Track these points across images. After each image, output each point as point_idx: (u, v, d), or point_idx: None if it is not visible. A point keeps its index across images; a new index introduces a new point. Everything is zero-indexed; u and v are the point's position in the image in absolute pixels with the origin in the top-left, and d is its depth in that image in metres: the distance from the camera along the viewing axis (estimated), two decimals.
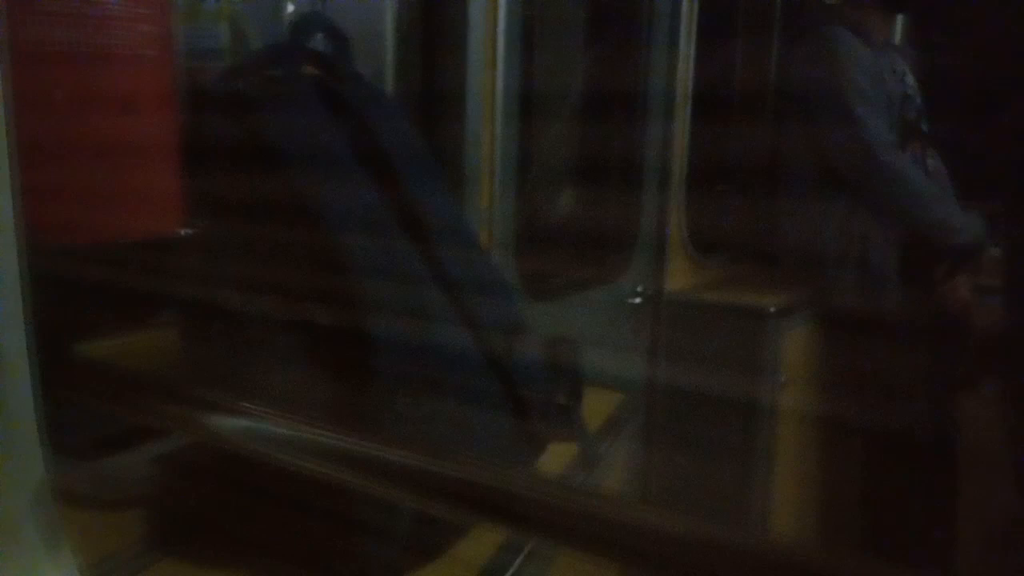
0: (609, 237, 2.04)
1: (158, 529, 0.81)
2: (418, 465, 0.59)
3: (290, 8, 1.26)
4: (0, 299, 0.61)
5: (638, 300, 2.03)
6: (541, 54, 1.77)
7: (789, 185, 2.30)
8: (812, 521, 2.28)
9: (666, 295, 2.10)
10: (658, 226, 2.07)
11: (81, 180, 0.70)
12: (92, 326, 0.77)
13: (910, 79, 2.24)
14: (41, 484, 0.64)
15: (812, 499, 2.29)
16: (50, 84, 0.69)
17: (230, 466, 0.70)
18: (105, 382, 0.71)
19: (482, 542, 0.87)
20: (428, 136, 1.30)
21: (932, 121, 2.24)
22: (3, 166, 0.60)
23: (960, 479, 2.21)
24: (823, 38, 2.16)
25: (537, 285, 1.65)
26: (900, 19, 2.46)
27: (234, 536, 0.82)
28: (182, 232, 0.77)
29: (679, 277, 2.15)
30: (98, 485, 0.78)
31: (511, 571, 0.86)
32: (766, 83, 2.58)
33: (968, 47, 2.24)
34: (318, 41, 1.00)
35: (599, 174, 2.07)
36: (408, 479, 0.60)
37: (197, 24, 1.18)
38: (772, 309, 2.04)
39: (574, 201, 2.08)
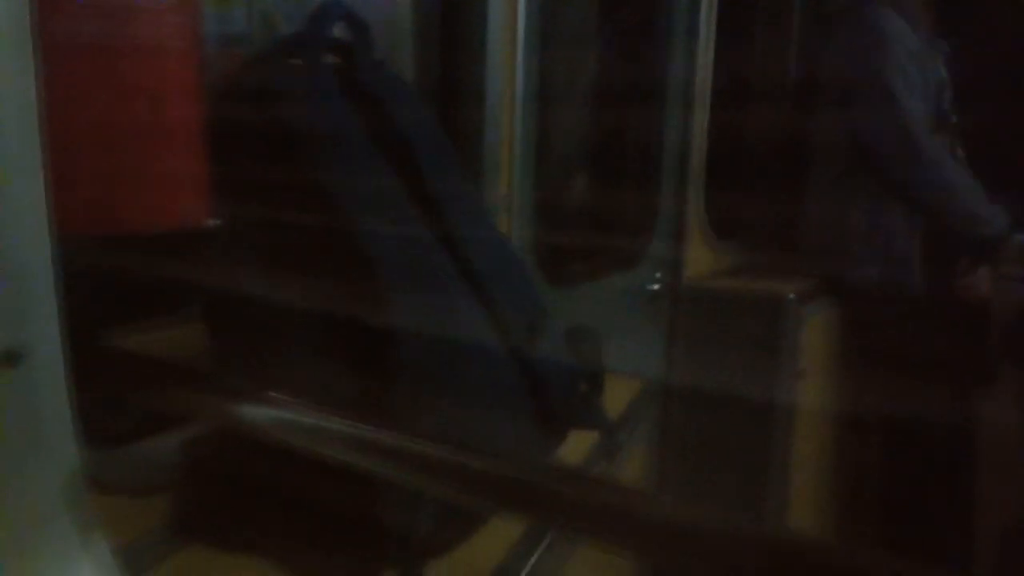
0: (627, 224, 2.03)
1: (188, 514, 0.83)
2: (440, 455, 0.60)
3: None
4: (31, 290, 0.62)
5: (656, 287, 2.02)
6: (560, 42, 1.77)
7: (814, 170, 2.28)
8: (831, 513, 2.28)
9: (684, 282, 2.09)
10: (677, 212, 2.06)
11: (109, 171, 0.71)
12: (122, 316, 0.78)
13: (944, 70, 2.22)
14: (73, 471, 0.65)
15: (830, 490, 2.29)
16: (79, 76, 0.69)
17: (257, 454, 0.71)
18: (134, 371, 0.72)
19: (500, 535, 0.88)
20: (448, 124, 1.30)
21: (962, 112, 2.21)
22: (35, 158, 0.61)
23: (979, 472, 2.20)
24: (869, 18, 2.12)
25: (556, 272, 1.65)
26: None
27: (259, 521, 0.83)
28: (210, 223, 0.78)
29: (697, 264, 2.14)
30: (129, 472, 0.79)
31: (528, 566, 0.87)
32: (795, 64, 2.55)
33: (998, 41, 2.21)
34: (339, 29, 1.00)
35: (617, 161, 2.06)
36: (431, 468, 0.61)
37: (222, 10, 1.18)
38: (791, 296, 2.03)
39: (593, 188, 2.08)
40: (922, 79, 2.11)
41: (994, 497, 2.19)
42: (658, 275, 2.03)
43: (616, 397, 1.35)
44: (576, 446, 1.01)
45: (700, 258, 2.14)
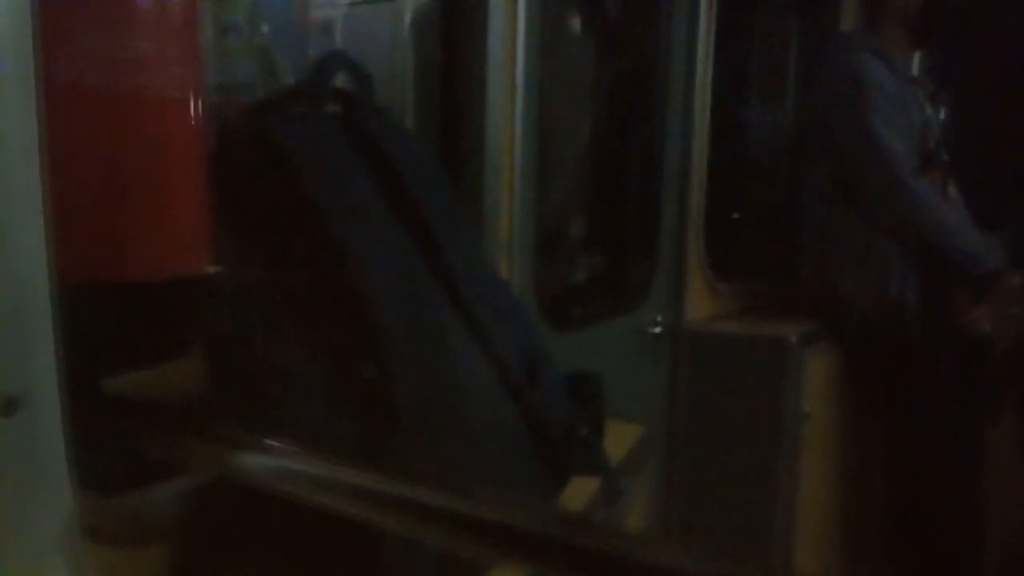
0: (628, 267, 2.04)
1: (184, 565, 0.82)
2: (439, 502, 0.60)
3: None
4: (30, 333, 0.62)
5: (658, 330, 2.02)
6: (559, 87, 1.79)
7: (810, 212, 2.30)
8: (837, 554, 2.25)
9: (685, 324, 2.09)
10: (677, 255, 2.07)
11: (110, 220, 0.71)
12: (121, 361, 0.78)
13: (929, 108, 2.25)
14: (69, 519, 0.65)
15: (836, 532, 2.26)
16: (81, 124, 0.70)
17: (255, 502, 0.70)
18: (133, 418, 0.72)
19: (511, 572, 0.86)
20: (450, 172, 1.31)
21: (951, 150, 2.24)
22: (35, 204, 0.61)
23: (983, 505, 2.18)
24: (849, 64, 2.16)
25: (556, 316, 1.65)
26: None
27: (258, 572, 0.82)
28: (209, 271, 0.78)
29: (698, 305, 2.14)
30: (125, 521, 0.78)
31: None
32: (788, 110, 2.59)
33: (985, 78, 2.24)
34: (341, 79, 1.01)
35: (617, 205, 2.07)
36: (429, 516, 0.60)
37: (224, 60, 1.20)
38: (794, 338, 2.03)
39: (593, 232, 2.09)
40: (906, 121, 2.13)
41: (997, 531, 2.17)
42: (659, 318, 2.03)
43: (618, 442, 1.34)
44: (577, 492, 1.00)
45: (701, 300, 2.14)
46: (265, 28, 1.25)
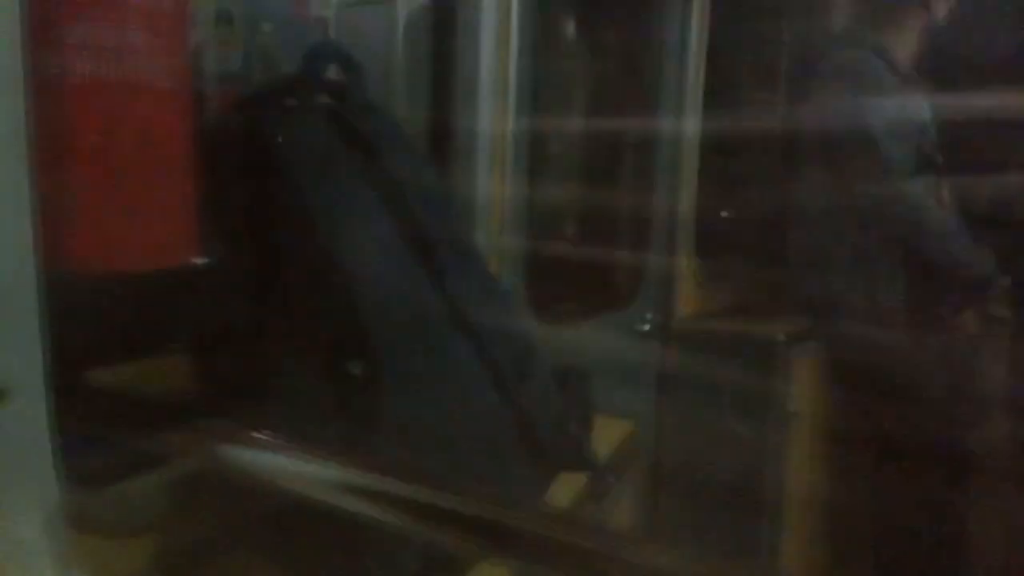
0: (617, 265, 2.04)
1: (169, 556, 0.81)
2: (427, 497, 0.60)
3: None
4: (16, 326, 0.61)
5: (647, 328, 2.02)
6: (550, 94, 1.79)
7: (800, 212, 2.30)
8: (824, 554, 2.26)
9: (675, 323, 2.09)
10: (667, 253, 2.07)
11: (98, 210, 0.71)
12: (107, 353, 0.78)
13: (926, 110, 2.24)
14: (54, 510, 0.64)
15: (823, 532, 2.27)
16: (69, 114, 0.70)
17: (240, 494, 0.70)
18: (118, 409, 0.72)
19: (496, 567, 0.86)
20: (441, 167, 1.31)
21: (945, 154, 2.23)
22: (23, 194, 0.61)
23: (971, 512, 2.19)
24: (848, 61, 2.15)
25: (546, 312, 1.65)
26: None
27: (243, 564, 0.82)
28: (198, 262, 0.78)
29: (688, 304, 2.14)
30: (110, 512, 0.78)
31: None
32: (782, 107, 2.58)
33: (982, 81, 2.24)
34: (333, 71, 1.01)
35: (607, 204, 2.07)
36: (417, 511, 0.60)
37: (215, 50, 1.19)
38: (782, 337, 2.03)
39: (583, 229, 2.09)
40: (904, 121, 2.13)
41: (985, 535, 2.18)
42: (648, 316, 2.03)
43: (606, 438, 1.34)
44: (565, 488, 1.00)
45: (691, 298, 2.14)
46: (262, 21, 1.25)
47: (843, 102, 2.12)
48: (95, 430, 0.72)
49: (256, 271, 0.82)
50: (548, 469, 0.97)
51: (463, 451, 0.85)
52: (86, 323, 0.74)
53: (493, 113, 1.40)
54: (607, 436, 1.33)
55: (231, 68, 1.20)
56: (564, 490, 1.00)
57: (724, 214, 2.44)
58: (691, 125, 2.07)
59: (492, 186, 1.42)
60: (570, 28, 2.04)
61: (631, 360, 2.02)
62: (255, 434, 0.63)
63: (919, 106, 2.21)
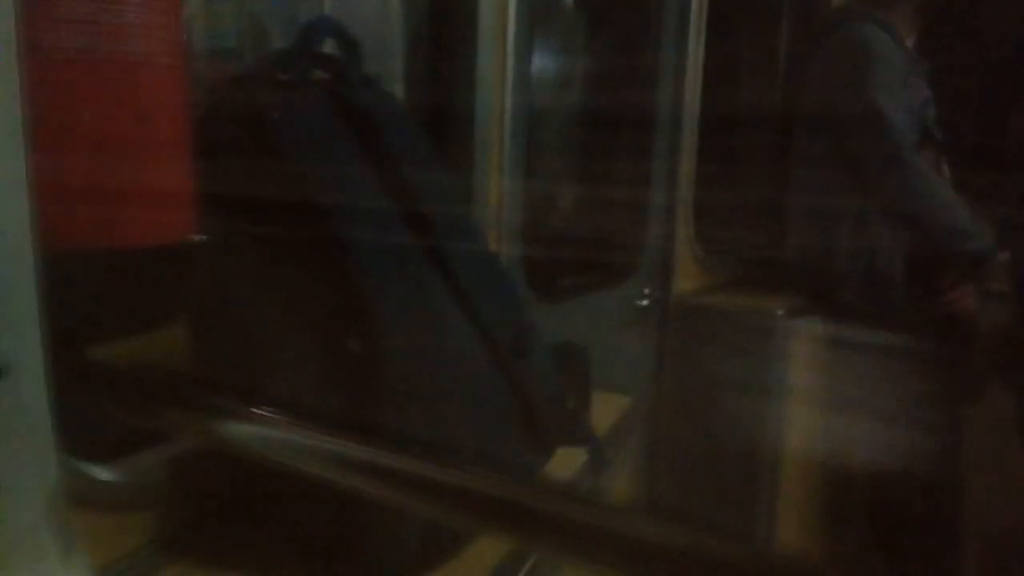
0: (616, 239, 2.04)
1: (171, 531, 0.82)
2: (425, 472, 0.60)
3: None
4: (14, 302, 0.61)
5: (645, 302, 2.03)
6: (548, 68, 1.78)
7: (800, 187, 2.30)
8: (821, 529, 2.28)
9: (673, 298, 2.10)
10: (666, 227, 2.07)
11: (94, 186, 0.71)
12: (106, 329, 0.78)
13: (927, 86, 2.24)
14: (55, 487, 0.65)
15: (818, 507, 2.28)
16: (64, 89, 0.69)
17: (241, 469, 0.70)
18: (118, 386, 0.72)
19: (487, 552, 0.87)
20: (439, 143, 1.30)
21: (945, 128, 2.23)
22: (19, 170, 0.60)
23: (964, 490, 2.21)
24: (854, 34, 2.14)
25: (544, 287, 1.65)
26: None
27: (245, 538, 0.83)
28: (195, 238, 0.78)
29: (686, 279, 2.14)
30: (112, 488, 0.78)
31: (525, 569, 0.86)
32: (783, 80, 2.57)
33: (982, 56, 2.23)
34: (329, 45, 1.00)
35: (606, 176, 2.07)
36: (415, 486, 0.60)
37: (209, 25, 1.18)
38: (781, 312, 2.04)
39: (581, 204, 2.09)
40: (908, 96, 2.12)
41: (981, 513, 2.20)
42: (647, 291, 2.03)
43: (604, 413, 1.35)
44: (563, 463, 1.00)
45: (689, 273, 2.14)
46: None
47: (850, 75, 2.11)
48: (95, 406, 0.73)
49: (253, 247, 0.82)
50: (546, 444, 0.97)
51: (461, 427, 0.86)
52: (85, 300, 0.75)
53: (491, 88, 1.39)
54: (605, 411, 1.34)
55: (224, 44, 1.19)
56: (563, 465, 1.00)
57: (725, 188, 2.43)
58: (691, 99, 2.06)
59: (490, 161, 1.41)
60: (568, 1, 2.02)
61: (630, 335, 2.02)
62: (253, 409, 0.64)
63: (921, 81, 2.21)
